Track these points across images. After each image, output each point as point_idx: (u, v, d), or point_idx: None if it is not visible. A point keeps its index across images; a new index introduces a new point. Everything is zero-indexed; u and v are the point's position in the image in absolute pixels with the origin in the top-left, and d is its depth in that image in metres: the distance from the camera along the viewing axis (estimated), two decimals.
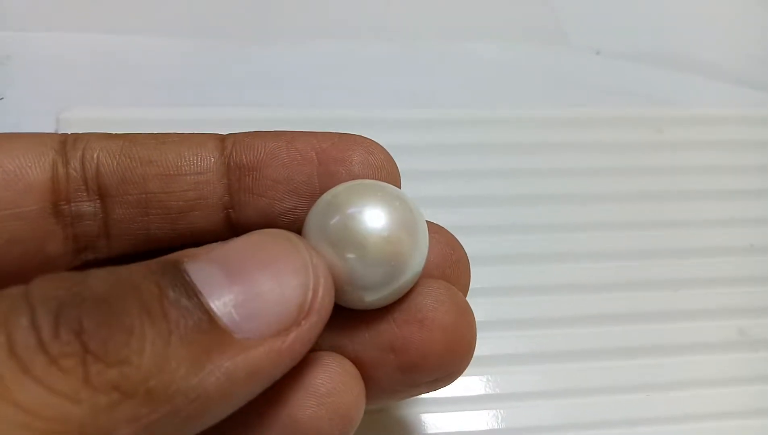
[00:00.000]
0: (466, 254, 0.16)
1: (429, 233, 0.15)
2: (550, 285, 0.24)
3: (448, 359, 0.14)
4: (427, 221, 0.15)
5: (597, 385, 0.23)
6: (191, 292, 0.11)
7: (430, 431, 0.22)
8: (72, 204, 0.14)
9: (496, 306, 0.24)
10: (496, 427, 0.22)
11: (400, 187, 0.15)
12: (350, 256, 0.13)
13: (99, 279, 0.11)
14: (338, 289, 0.13)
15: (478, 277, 0.24)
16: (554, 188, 0.26)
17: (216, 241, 0.15)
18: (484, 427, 0.22)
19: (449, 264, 0.16)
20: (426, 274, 0.15)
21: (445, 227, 0.16)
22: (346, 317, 0.14)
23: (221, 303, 0.11)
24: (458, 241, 0.16)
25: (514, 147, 0.27)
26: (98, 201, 0.14)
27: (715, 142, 0.28)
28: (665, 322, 0.24)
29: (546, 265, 0.25)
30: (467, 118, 0.27)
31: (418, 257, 0.14)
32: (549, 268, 0.25)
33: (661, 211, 0.26)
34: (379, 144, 0.15)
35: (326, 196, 0.14)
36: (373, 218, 0.13)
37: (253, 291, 0.12)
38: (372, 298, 0.14)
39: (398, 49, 0.30)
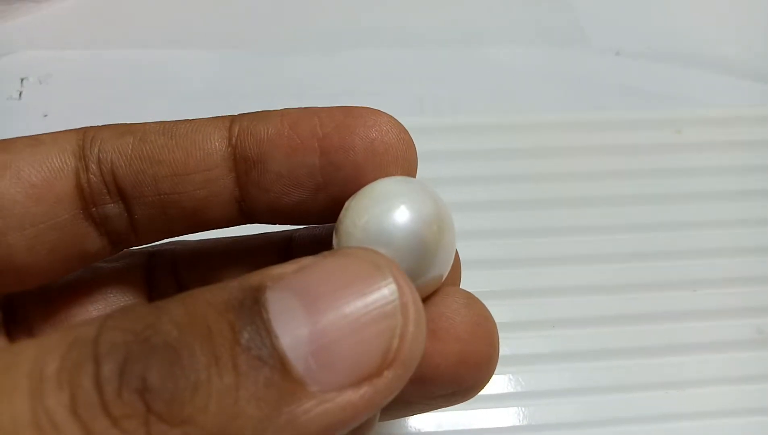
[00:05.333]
0: (457, 259, 0.15)
1: None
2: (572, 286, 0.25)
3: (462, 372, 0.13)
4: None
5: (617, 383, 0.24)
6: (266, 335, 0.10)
7: (453, 428, 0.23)
8: (99, 207, 0.14)
9: (518, 307, 0.25)
10: (518, 424, 0.23)
11: (416, 166, 0.15)
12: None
13: (171, 321, 0.10)
14: None
15: (500, 280, 0.25)
16: (575, 191, 0.27)
17: (232, 226, 0.15)
18: (507, 423, 0.23)
19: (455, 268, 0.15)
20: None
21: (460, 230, 0.15)
22: None
23: (298, 347, 0.10)
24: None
25: (533, 151, 0.28)
26: (120, 202, 0.14)
27: (733, 142, 0.28)
28: (684, 322, 0.25)
29: (567, 266, 0.26)
30: (487, 123, 0.28)
31: (445, 257, 0.14)
32: (570, 270, 0.25)
33: (680, 211, 0.27)
34: (392, 119, 0.14)
35: (356, 197, 0.14)
36: (402, 218, 0.13)
37: (333, 334, 0.10)
38: None
39: (420, 55, 0.31)
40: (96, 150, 0.14)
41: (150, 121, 0.15)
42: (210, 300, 0.11)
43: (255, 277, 0.11)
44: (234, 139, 0.14)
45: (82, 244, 0.15)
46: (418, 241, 0.13)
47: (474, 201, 0.26)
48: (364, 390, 0.10)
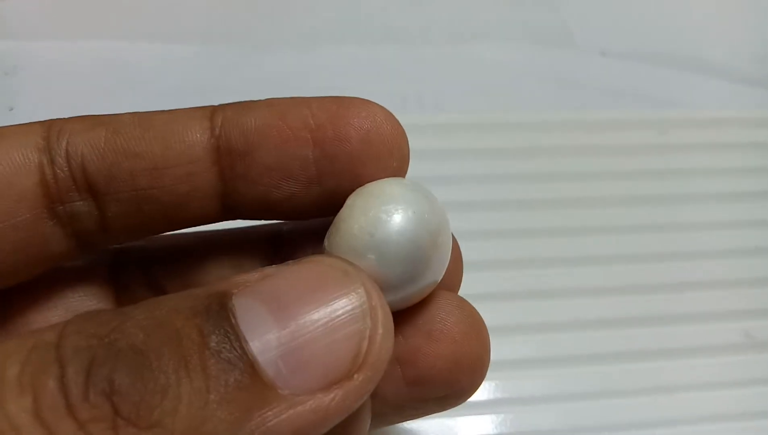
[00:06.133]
0: (459, 256, 0.16)
1: None
2: (555, 289, 0.25)
3: (456, 374, 0.14)
4: None
5: (603, 389, 0.23)
6: (235, 339, 0.10)
7: None
8: (66, 205, 0.13)
9: (501, 311, 0.24)
10: (502, 431, 0.22)
11: (408, 159, 0.14)
12: (370, 256, 0.13)
13: (137, 325, 0.10)
14: None
15: (482, 282, 0.25)
16: (557, 192, 0.26)
17: (213, 223, 0.14)
18: (490, 431, 0.22)
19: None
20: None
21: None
22: None
23: (267, 350, 0.10)
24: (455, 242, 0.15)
25: (516, 151, 0.27)
26: (90, 199, 0.14)
27: (718, 143, 0.28)
28: (671, 325, 0.24)
29: (550, 268, 0.25)
30: (470, 122, 0.27)
31: (439, 260, 0.13)
32: (553, 273, 0.25)
33: (665, 213, 0.27)
34: (384, 110, 0.14)
35: (350, 200, 0.13)
36: (397, 220, 0.13)
37: (302, 338, 0.10)
38: (391, 298, 0.13)
39: (404, 52, 0.30)
40: (64, 143, 0.13)
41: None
42: (176, 306, 0.10)
43: (221, 285, 0.11)
44: (217, 130, 0.14)
45: (46, 245, 0.14)
46: (416, 247, 0.13)
47: (454, 201, 0.25)
48: (335, 393, 0.10)
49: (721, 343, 0.24)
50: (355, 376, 0.11)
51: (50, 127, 0.14)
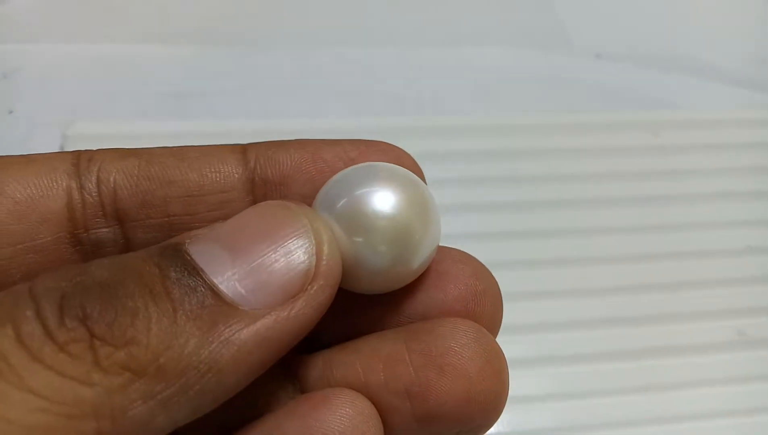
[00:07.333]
0: (496, 285, 0.15)
1: (454, 262, 0.14)
2: (549, 290, 0.25)
3: (470, 412, 0.13)
4: (453, 249, 0.14)
5: (598, 387, 0.23)
6: (193, 270, 0.11)
7: None
8: (90, 231, 0.14)
9: None
10: (499, 431, 0.23)
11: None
12: (358, 238, 0.13)
13: (100, 266, 0.11)
14: (346, 272, 0.13)
15: None
16: (553, 193, 0.27)
17: None
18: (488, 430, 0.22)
19: (472, 296, 0.14)
20: (449, 311, 0.14)
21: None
22: (360, 352, 0.13)
23: (225, 278, 0.11)
24: (487, 271, 0.15)
25: (512, 153, 0.27)
26: (117, 226, 0.14)
27: (710, 144, 0.28)
28: (665, 324, 0.25)
29: (544, 269, 0.25)
30: (467, 124, 0.28)
31: (428, 242, 0.13)
32: (546, 273, 0.25)
33: (658, 214, 0.27)
34: (407, 152, 0.15)
35: (335, 178, 0.14)
36: (382, 200, 0.13)
37: (256, 263, 0.11)
38: (379, 280, 0.13)
39: (400, 55, 0.30)
40: (95, 169, 0.14)
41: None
42: (133, 254, 0.11)
43: (173, 239, 0.12)
44: (252, 163, 0.14)
45: None
46: (402, 227, 0.13)
47: (450, 203, 0.26)
48: (292, 305, 0.11)
49: (714, 341, 0.25)
50: (309, 287, 0.12)
51: (80, 155, 0.14)
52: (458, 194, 0.26)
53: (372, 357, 0.13)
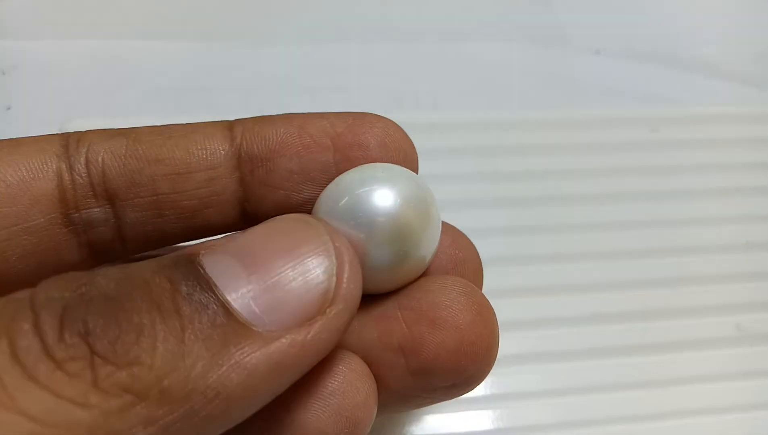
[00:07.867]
0: (476, 254, 0.15)
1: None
2: (547, 285, 0.25)
3: (463, 362, 0.13)
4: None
5: (596, 383, 0.23)
6: (206, 285, 0.10)
7: (430, 432, 0.22)
8: (82, 211, 0.14)
9: (495, 307, 0.24)
10: (497, 427, 0.22)
11: (417, 167, 0.15)
12: (357, 235, 0.13)
13: (107, 277, 0.10)
14: None
15: None
16: (549, 189, 0.27)
17: (231, 231, 0.15)
18: (485, 427, 0.22)
19: (452, 265, 0.15)
20: (440, 271, 0.14)
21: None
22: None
23: (239, 295, 0.10)
24: (468, 240, 0.15)
25: (511, 149, 0.27)
26: (108, 206, 0.14)
27: (709, 140, 0.28)
28: (663, 320, 0.25)
29: (542, 265, 0.25)
30: (465, 121, 0.28)
31: (428, 239, 0.13)
32: (545, 269, 0.25)
33: (657, 210, 0.27)
34: (395, 123, 0.15)
35: (337, 180, 0.14)
36: (382, 198, 0.13)
37: (272, 281, 0.11)
38: (381, 279, 0.13)
39: (398, 50, 0.30)
40: (84, 150, 0.14)
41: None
42: (143, 264, 0.11)
43: (187, 249, 0.11)
44: (238, 139, 0.14)
45: (58, 253, 0.14)
46: (402, 225, 0.13)
47: (449, 199, 0.26)
48: (309, 328, 0.11)
49: (713, 336, 0.25)
50: (328, 310, 0.11)
51: (69, 137, 0.14)
52: (456, 190, 0.26)
53: (364, 315, 0.14)
